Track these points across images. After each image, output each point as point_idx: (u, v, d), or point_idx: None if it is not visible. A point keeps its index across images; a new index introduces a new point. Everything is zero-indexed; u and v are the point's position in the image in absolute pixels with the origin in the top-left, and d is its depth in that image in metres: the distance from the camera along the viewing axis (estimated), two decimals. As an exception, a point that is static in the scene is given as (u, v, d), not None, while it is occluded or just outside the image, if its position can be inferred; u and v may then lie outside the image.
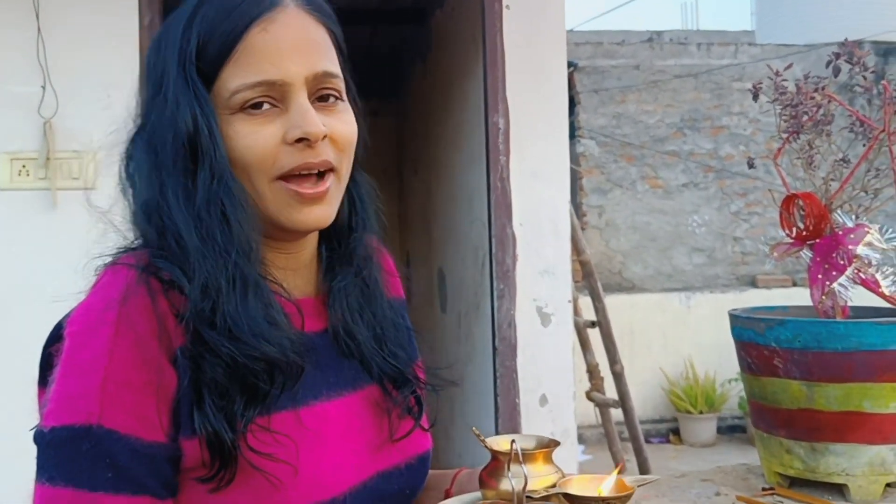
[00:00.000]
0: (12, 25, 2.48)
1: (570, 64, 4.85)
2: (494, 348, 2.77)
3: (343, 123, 0.92)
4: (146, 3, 2.57)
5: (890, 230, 1.28)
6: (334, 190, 0.92)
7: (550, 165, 2.81)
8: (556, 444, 0.97)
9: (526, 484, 0.88)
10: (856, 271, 1.26)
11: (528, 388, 2.77)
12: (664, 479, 1.67)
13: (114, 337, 0.81)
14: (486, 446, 0.95)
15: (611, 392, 4.23)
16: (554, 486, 0.92)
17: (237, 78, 0.87)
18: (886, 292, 1.25)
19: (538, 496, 0.90)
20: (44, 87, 2.47)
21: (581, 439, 5.54)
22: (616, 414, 4.30)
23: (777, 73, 1.34)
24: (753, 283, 7.56)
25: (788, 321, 1.27)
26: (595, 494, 0.89)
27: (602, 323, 4.12)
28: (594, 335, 4.16)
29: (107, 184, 2.62)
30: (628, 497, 0.89)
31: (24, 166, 2.48)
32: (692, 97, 7.63)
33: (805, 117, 1.36)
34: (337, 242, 1.00)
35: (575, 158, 7.14)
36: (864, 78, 1.35)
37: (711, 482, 1.53)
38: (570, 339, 2.87)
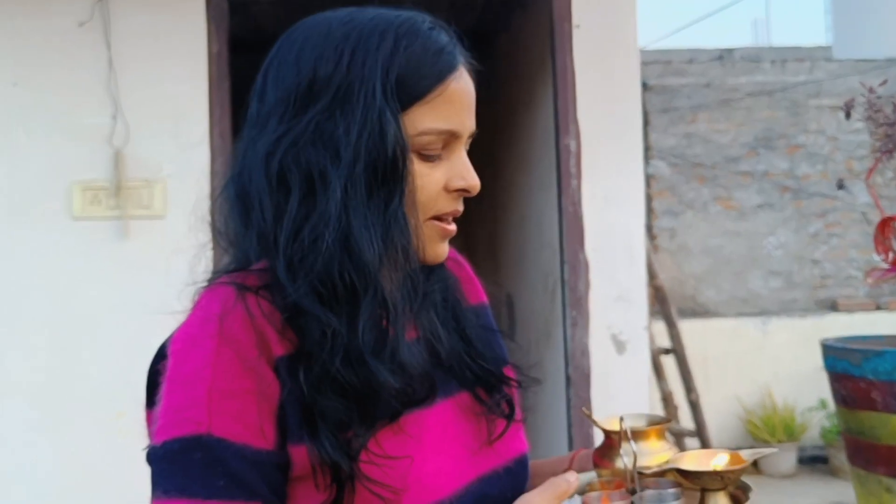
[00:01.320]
0: (84, 58, 2.53)
1: (639, 85, 4.78)
2: (567, 377, 2.69)
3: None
4: (214, 33, 2.59)
5: None
6: None
7: (624, 188, 2.74)
8: (668, 421, 0.99)
9: (635, 461, 0.88)
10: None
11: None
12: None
13: (216, 348, 0.83)
14: (597, 426, 0.97)
15: (686, 421, 4.10)
16: (668, 462, 0.92)
17: (428, 121, 0.90)
18: None
19: (651, 472, 0.90)
20: (114, 118, 2.51)
21: (655, 468, 5.39)
22: (691, 444, 4.17)
23: (871, 91, 1.26)
24: (834, 307, 7.31)
25: (887, 352, 1.20)
26: (709, 469, 0.88)
27: (677, 350, 4.02)
28: (668, 362, 4.06)
29: (176, 212, 2.67)
30: (742, 471, 0.88)
31: (95, 196, 2.52)
32: (766, 115, 7.45)
33: (901, 134, 1.28)
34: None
35: (645, 180, 7.03)
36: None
37: (806, 525, 1.44)
38: (646, 367, 2.78)
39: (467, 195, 0.95)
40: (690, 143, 7.43)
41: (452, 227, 0.96)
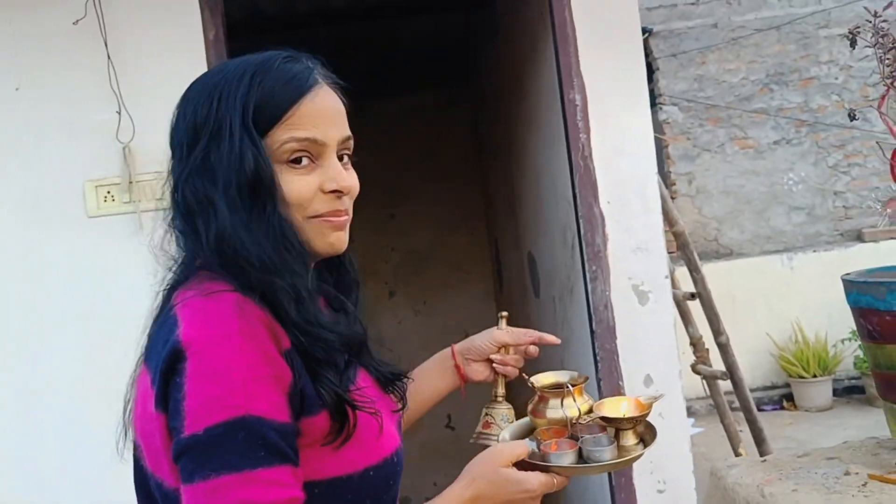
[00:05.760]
0: (84, 56, 2.52)
1: (644, 30, 4.70)
2: (592, 331, 2.69)
3: (355, 179, 1.17)
4: (209, 18, 2.57)
5: None
6: (348, 224, 1.19)
7: (634, 138, 2.71)
8: (586, 378, 1.29)
9: (580, 414, 1.21)
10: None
11: (631, 369, 2.68)
12: (786, 460, 1.58)
13: (243, 343, 0.99)
14: (531, 386, 1.28)
15: (717, 363, 4.09)
16: (591, 410, 1.23)
17: (287, 134, 1.10)
18: None
19: (582, 421, 1.20)
20: (119, 113, 2.50)
21: (690, 412, 5.40)
22: (725, 384, 4.16)
23: (876, 15, 1.23)
24: (860, 237, 7.24)
25: (911, 282, 1.17)
26: (621, 416, 1.18)
27: (702, 294, 3.99)
28: (695, 307, 4.03)
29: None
30: (646, 414, 1.18)
31: (108, 192, 2.52)
32: (776, 50, 7.33)
33: (910, 59, 1.25)
34: (334, 264, 1.25)
35: (658, 126, 6.95)
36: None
37: (839, 460, 1.43)
38: (671, 315, 2.76)
39: (339, 196, 1.13)
40: (702, 86, 7.33)
41: (339, 218, 1.14)
